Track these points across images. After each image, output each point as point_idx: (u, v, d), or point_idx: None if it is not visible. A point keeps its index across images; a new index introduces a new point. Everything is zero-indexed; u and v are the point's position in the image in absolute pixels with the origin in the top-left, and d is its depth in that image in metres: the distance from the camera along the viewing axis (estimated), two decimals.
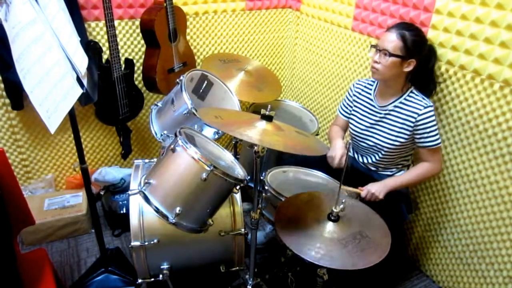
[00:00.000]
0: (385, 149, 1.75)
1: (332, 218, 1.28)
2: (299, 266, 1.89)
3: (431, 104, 1.64)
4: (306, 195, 1.48)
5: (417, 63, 1.62)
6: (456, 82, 1.73)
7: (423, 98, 1.66)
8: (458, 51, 1.69)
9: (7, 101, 2.15)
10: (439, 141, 1.65)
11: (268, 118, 1.34)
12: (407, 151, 1.78)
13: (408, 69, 1.62)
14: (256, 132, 1.28)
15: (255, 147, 1.34)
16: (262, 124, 1.33)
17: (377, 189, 1.65)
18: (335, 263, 1.15)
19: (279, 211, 1.40)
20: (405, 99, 1.69)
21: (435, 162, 1.69)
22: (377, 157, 1.81)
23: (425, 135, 1.64)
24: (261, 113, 1.36)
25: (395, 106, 1.71)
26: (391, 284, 2.04)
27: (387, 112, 1.74)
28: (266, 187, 1.68)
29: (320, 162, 1.84)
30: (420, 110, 1.63)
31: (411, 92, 1.69)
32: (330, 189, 1.77)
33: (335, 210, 1.27)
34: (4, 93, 2.13)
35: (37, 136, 2.34)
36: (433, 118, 1.62)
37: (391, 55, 1.58)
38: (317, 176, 1.85)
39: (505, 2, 1.47)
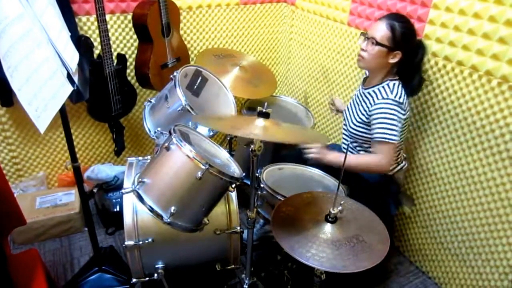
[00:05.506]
0: (353, 133, 1.76)
1: (330, 219, 1.26)
2: (295, 264, 1.88)
3: (394, 98, 1.59)
4: (308, 195, 1.45)
5: (403, 56, 1.60)
6: (453, 78, 1.71)
7: (391, 92, 1.62)
8: (455, 47, 1.67)
9: None
10: (388, 136, 1.58)
11: (265, 115, 1.32)
12: None
13: (393, 60, 1.61)
14: (259, 130, 1.27)
15: (252, 146, 1.32)
16: (261, 122, 1.31)
17: (317, 154, 1.69)
18: (324, 264, 1.13)
19: (278, 209, 1.37)
20: (380, 87, 1.68)
21: (381, 156, 1.62)
22: (354, 145, 1.80)
23: (375, 125, 1.62)
24: (258, 110, 1.33)
25: (369, 93, 1.72)
26: (387, 280, 2.04)
27: (364, 95, 1.75)
28: (262, 185, 1.65)
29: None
30: (378, 99, 1.62)
31: (389, 81, 1.66)
32: (326, 186, 1.75)
33: (332, 212, 1.25)
34: None
35: (28, 133, 2.29)
36: (388, 111, 1.58)
37: (377, 44, 1.58)
38: (313, 173, 1.84)
39: None
